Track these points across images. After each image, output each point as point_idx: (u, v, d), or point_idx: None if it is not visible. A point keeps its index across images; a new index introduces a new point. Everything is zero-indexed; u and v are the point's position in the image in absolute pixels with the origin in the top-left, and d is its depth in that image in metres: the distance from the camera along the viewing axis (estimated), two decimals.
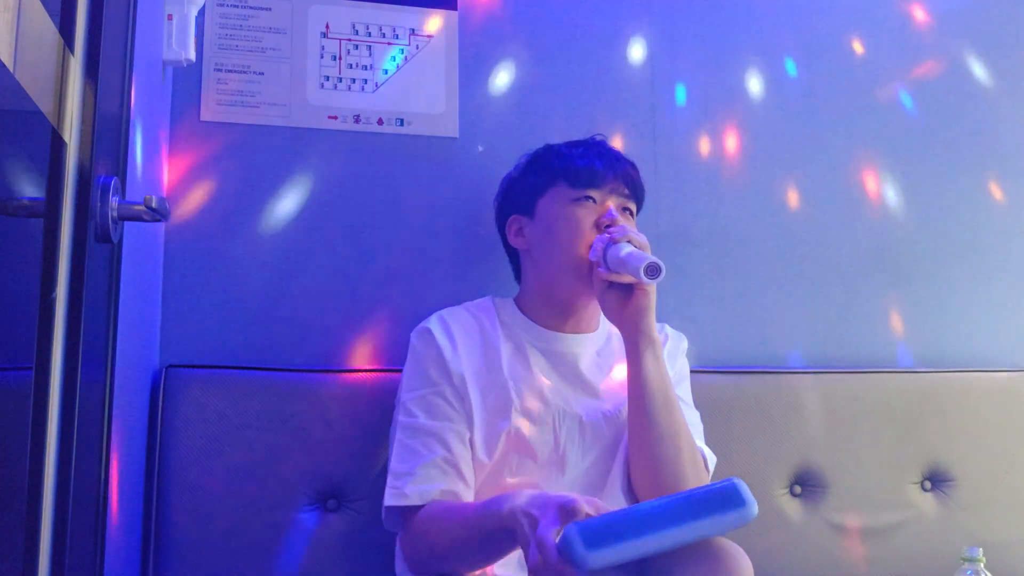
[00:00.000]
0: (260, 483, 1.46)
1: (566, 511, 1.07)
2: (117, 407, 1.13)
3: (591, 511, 1.07)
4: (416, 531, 1.28)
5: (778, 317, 1.84)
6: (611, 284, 1.35)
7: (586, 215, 1.41)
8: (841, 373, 1.79)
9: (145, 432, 1.46)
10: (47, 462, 0.80)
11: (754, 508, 1.07)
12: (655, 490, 1.29)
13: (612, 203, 1.42)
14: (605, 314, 1.39)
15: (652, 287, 1.33)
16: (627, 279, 1.33)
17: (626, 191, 1.45)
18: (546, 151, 1.51)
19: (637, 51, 1.84)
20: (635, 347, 1.34)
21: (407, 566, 1.33)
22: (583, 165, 1.43)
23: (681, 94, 1.85)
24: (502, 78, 1.77)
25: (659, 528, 1.04)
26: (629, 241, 1.33)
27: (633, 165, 1.49)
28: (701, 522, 1.06)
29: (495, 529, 1.16)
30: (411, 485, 1.29)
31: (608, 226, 1.39)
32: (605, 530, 1.03)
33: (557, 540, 1.04)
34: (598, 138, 1.53)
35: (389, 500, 1.30)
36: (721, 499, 1.07)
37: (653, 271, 1.27)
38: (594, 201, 1.42)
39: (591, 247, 1.38)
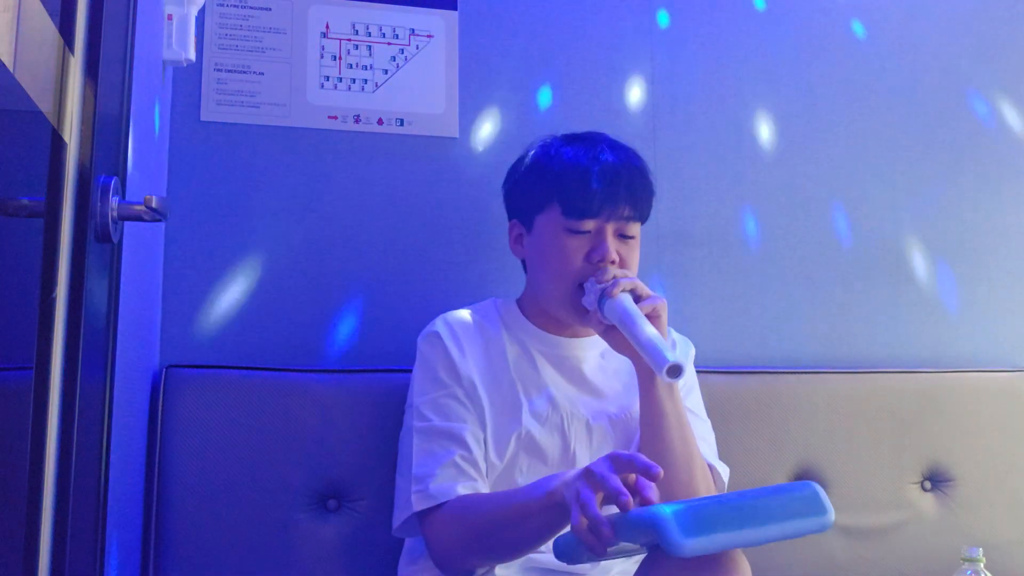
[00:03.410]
0: (260, 483, 1.46)
1: (619, 461, 1.06)
2: (117, 407, 1.13)
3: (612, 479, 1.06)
4: (443, 525, 1.26)
5: (778, 317, 1.84)
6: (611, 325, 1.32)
7: (579, 247, 1.36)
8: (841, 373, 1.79)
9: (145, 432, 1.46)
10: (47, 462, 0.80)
11: (832, 516, 1.04)
12: None
13: (609, 231, 1.36)
14: (614, 348, 1.35)
15: (663, 309, 1.32)
16: None
17: (626, 213, 1.36)
18: (546, 157, 1.42)
19: (637, 51, 1.84)
20: (650, 378, 1.31)
21: (436, 563, 1.30)
22: (579, 191, 1.35)
23: (681, 93, 1.85)
24: (502, 78, 1.77)
25: (750, 524, 1.02)
26: (624, 290, 1.29)
27: (638, 170, 1.40)
28: (786, 524, 1.03)
29: (546, 504, 1.14)
30: (434, 485, 1.27)
31: (600, 261, 1.34)
32: (699, 517, 1.00)
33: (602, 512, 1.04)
34: (601, 139, 1.43)
35: (417, 505, 1.27)
36: (805, 503, 1.05)
37: (675, 373, 1.21)
38: (590, 231, 1.36)
39: (583, 287, 1.34)
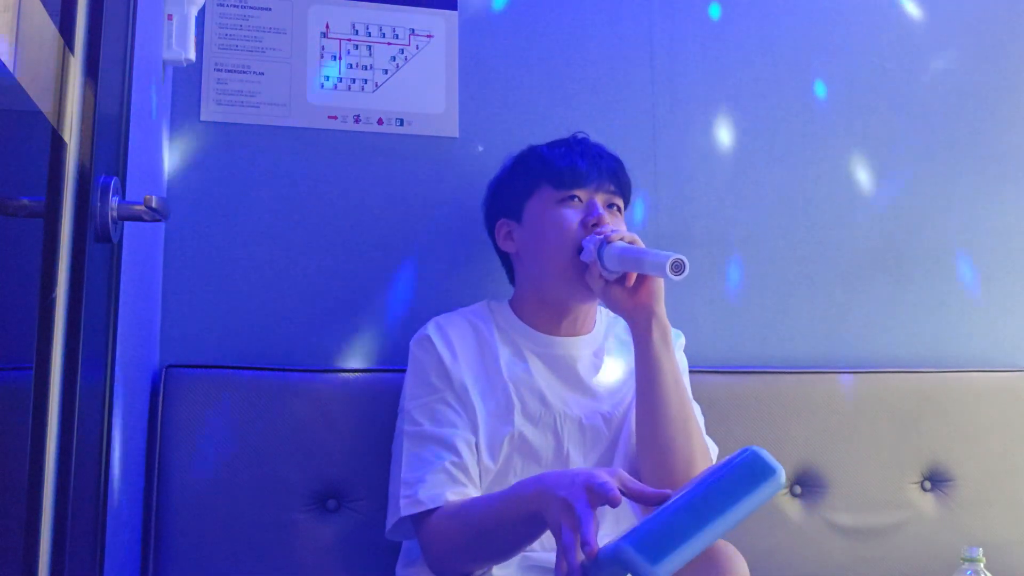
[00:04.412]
0: (260, 483, 1.46)
1: (593, 493, 1.06)
2: (117, 407, 1.13)
3: (616, 484, 1.07)
4: (436, 531, 1.27)
5: (778, 317, 1.84)
6: (612, 280, 1.35)
7: (573, 216, 1.41)
8: (841, 373, 1.79)
9: (145, 432, 1.46)
10: (47, 462, 0.80)
11: (783, 473, 1.04)
12: (666, 480, 1.26)
13: (599, 200, 1.42)
14: (611, 308, 1.38)
15: None
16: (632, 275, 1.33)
17: (611, 187, 1.44)
18: (529, 153, 1.51)
19: (637, 51, 1.84)
20: (647, 334, 1.34)
21: (432, 568, 1.31)
22: (565, 165, 1.43)
23: (681, 93, 1.85)
24: (502, 78, 1.77)
25: (709, 520, 1.01)
26: (622, 239, 1.33)
27: (617, 159, 1.49)
28: (743, 502, 1.02)
29: (523, 513, 1.15)
30: (424, 491, 1.28)
31: (595, 224, 1.39)
32: (659, 537, 1.00)
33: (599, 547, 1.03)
34: (579, 136, 1.52)
35: (405, 510, 1.28)
36: (751, 472, 1.04)
37: (679, 268, 1.26)
38: (580, 200, 1.42)
39: (582, 248, 1.37)
